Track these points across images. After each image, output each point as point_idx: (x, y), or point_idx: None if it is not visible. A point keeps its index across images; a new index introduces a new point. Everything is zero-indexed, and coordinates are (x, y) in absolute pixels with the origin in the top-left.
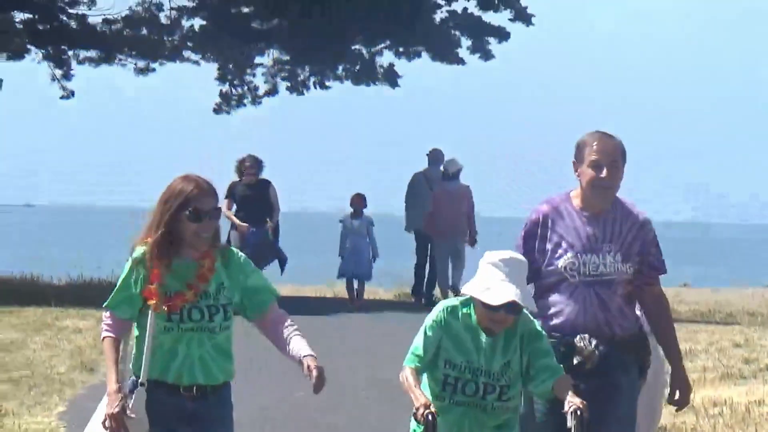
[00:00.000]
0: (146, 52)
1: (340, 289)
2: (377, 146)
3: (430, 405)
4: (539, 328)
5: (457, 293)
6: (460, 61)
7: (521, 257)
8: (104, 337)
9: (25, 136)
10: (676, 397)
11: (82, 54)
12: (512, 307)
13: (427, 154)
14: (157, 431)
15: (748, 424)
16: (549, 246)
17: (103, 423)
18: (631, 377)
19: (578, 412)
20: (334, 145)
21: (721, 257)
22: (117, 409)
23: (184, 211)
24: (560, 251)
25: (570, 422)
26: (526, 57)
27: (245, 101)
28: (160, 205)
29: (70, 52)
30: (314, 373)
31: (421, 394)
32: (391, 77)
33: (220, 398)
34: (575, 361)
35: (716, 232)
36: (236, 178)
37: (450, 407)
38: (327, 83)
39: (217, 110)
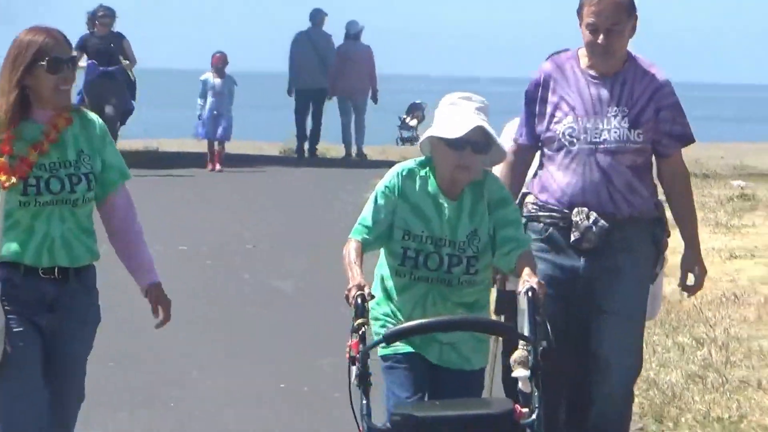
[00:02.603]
0: None
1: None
2: (261, 5)
3: (363, 286)
4: (506, 191)
5: (358, 151)
6: None
7: (482, 97)
8: None
9: None
10: (689, 282)
11: None
12: (479, 145)
13: (310, 16)
14: (14, 321)
15: None
16: (548, 109)
17: None
18: (636, 257)
19: (530, 293)
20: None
21: None
22: None
23: (40, 62)
24: (559, 115)
25: (523, 303)
26: None
27: None
28: (8, 63)
29: None
30: (161, 315)
31: (359, 273)
32: None
33: (84, 282)
34: (572, 238)
35: None
36: (87, 31)
37: (411, 284)
38: None
39: None
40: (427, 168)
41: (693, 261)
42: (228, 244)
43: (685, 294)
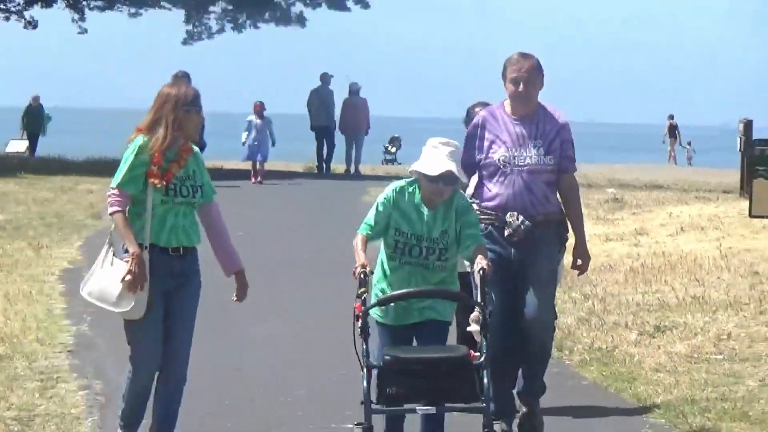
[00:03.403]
0: (136, 2)
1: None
2: (293, 67)
3: (366, 265)
4: (469, 203)
5: (356, 169)
6: (346, 8)
7: (456, 142)
8: (115, 212)
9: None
10: (578, 263)
11: (93, 3)
12: (449, 179)
13: (320, 77)
14: (153, 285)
15: None
16: (486, 143)
17: (125, 277)
18: (550, 248)
19: (482, 272)
20: (263, 67)
21: None
22: (141, 267)
23: (194, 107)
24: (495, 147)
25: (477, 280)
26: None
27: (203, 36)
28: (170, 106)
29: (84, 2)
30: (240, 294)
31: (363, 256)
32: (301, 20)
33: (193, 257)
34: (506, 233)
35: None
36: None
37: (401, 266)
38: (258, 24)
39: (184, 42)
40: (415, 186)
41: (581, 250)
42: (269, 230)
43: (576, 271)
